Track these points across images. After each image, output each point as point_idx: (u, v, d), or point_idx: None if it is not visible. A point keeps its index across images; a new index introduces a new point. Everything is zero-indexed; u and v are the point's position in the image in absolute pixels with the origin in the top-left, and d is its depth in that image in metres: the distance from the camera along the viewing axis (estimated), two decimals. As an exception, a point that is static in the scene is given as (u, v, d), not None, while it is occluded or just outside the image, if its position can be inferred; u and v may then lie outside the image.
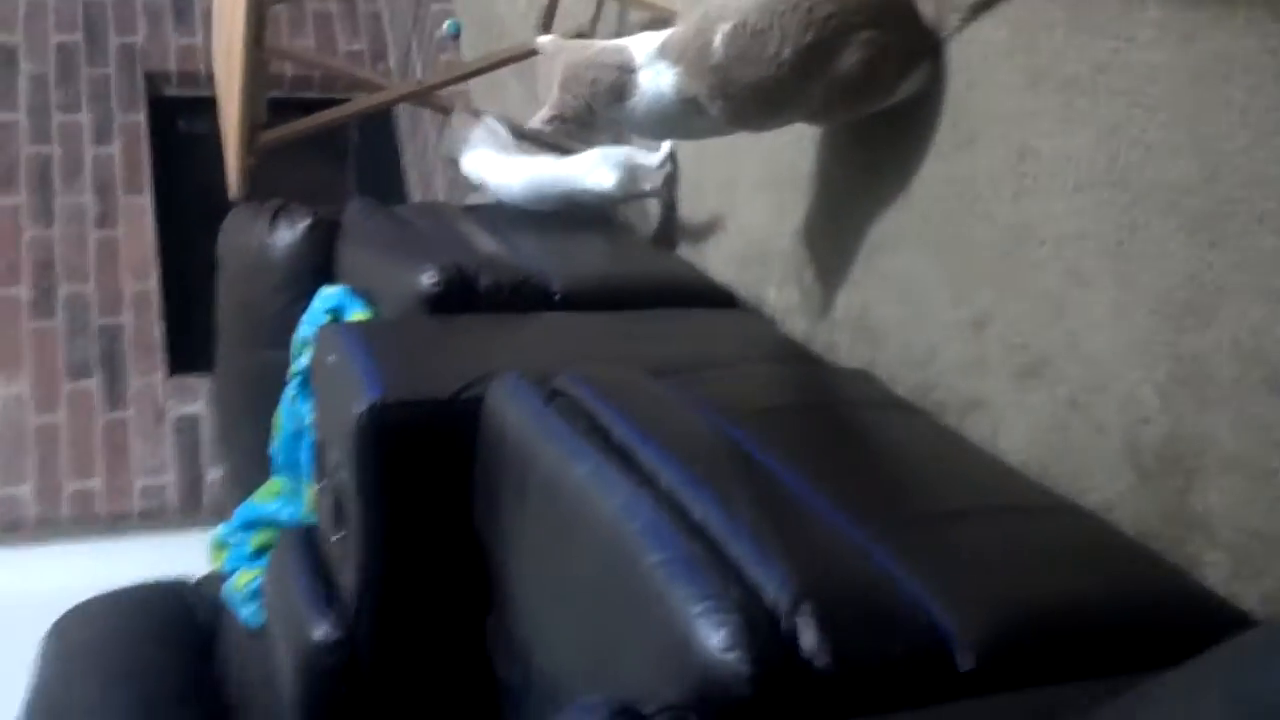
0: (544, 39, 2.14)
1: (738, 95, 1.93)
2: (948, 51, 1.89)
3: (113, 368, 4.07)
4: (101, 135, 4.40)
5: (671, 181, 2.75)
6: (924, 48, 1.90)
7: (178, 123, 4.66)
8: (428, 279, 2.16)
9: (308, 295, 2.63)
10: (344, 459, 1.78)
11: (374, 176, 4.61)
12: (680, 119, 2.02)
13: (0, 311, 4.06)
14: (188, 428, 4.06)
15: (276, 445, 2.61)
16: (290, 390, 2.54)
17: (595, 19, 3.14)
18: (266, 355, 2.70)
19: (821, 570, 1.28)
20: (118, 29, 4.55)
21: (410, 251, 2.31)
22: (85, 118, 4.42)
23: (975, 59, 1.84)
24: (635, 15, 2.93)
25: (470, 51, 3.97)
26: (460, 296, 2.17)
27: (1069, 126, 1.67)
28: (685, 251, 2.68)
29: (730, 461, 1.51)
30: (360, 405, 1.72)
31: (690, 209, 2.68)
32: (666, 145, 2.73)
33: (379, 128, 4.58)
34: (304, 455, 2.50)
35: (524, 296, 2.22)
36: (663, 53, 1.98)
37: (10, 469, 3.86)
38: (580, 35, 3.15)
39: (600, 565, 1.40)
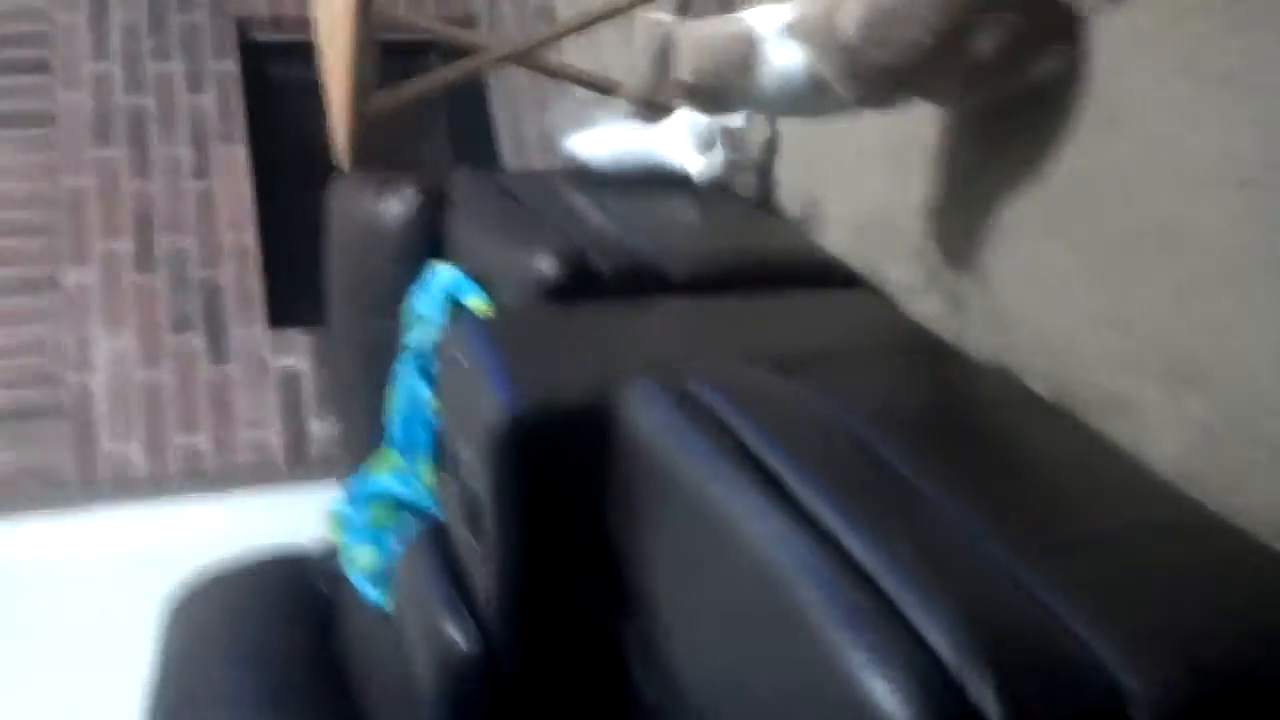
0: (652, 17, 2.08)
1: (868, 77, 1.87)
2: (1089, 33, 1.81)
3: (214, 321, 4.09)
4: (194, 85, 4.39)
5: (771, 146, 2.69)
6: (1064, 29, 1.83)
7: (269, 68, 4.64)
8: (546, 266, 2.13)
9: (418, 266, 2.62)
10: (478, 465, 1.76)
11: (462, 122, 4.56)
12: (808, 98, 1.96)
13: (104, 266, 4.08)
14: (291, 381, 4.07)
15: (393, 420, 2.61)
16: (407, 367, 2.53)
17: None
18: (378, 323, 2.69)
19: (987, 613, 1.24)
20: (207, -29, 4.53)
21: (523, 233, 2.29)
22: (178, 67, 4.40)
23: (1119, 43, 1.77)
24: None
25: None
26: (578, 282, 2.14)
27: (1224, 121, 1.60)
28: (793, 218, 2.62)
29: (878, 482, 1.48)
30: (496, 415, 1.70)
31: (800, 174, 2.63)
32: None
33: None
34: (422, 436, 2.50)
35: (641, 280, 2.18)
36: (790, 30, 1.92)
37: (119, 426, 3.91)
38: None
39: (750, 595, 1.38)
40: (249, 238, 4.23)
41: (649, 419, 1.64)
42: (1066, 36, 1.83)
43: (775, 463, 1.48)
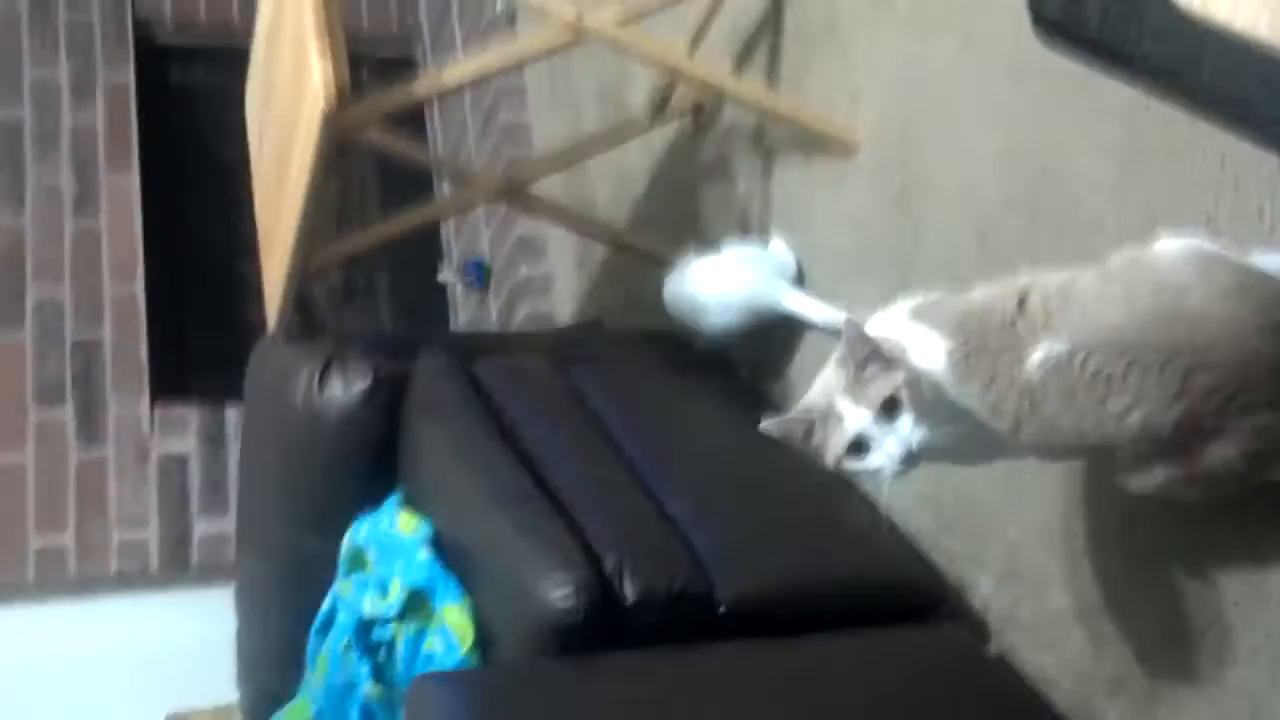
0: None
1: (1040, 431, 1.35)
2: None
3: (89, 392, 3.45)
4: (82, 96, 3.70)
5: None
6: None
7: (170, 76, 3.96)
8: (561, 599, 1.59)
9: (362, 473, 2.08)
10: None
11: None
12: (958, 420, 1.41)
13: (-42, 321, 3.42)
14: (175, 468, 3.47)
15: (315, 676, 2.08)
16: (343, 629, 1.99)
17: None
18: (306, 541, 2.14)
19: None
20: (101, -38, 3.81)
21: (525, 523, 1.73)
22: (63, 73, 3.71)
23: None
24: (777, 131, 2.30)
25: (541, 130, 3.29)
26: (599, 621, 1.61)
27: None
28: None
29: None
30: None
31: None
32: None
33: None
34: (354, 717, 1.98)
35: (681, 612, 1.66)
36: (942, 329, 1.36)
37: (-35, 522, 3.27)
38: (699, 120, 2.51)
39: None
40: (136, 288, 3.57)
41: None
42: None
43: None
